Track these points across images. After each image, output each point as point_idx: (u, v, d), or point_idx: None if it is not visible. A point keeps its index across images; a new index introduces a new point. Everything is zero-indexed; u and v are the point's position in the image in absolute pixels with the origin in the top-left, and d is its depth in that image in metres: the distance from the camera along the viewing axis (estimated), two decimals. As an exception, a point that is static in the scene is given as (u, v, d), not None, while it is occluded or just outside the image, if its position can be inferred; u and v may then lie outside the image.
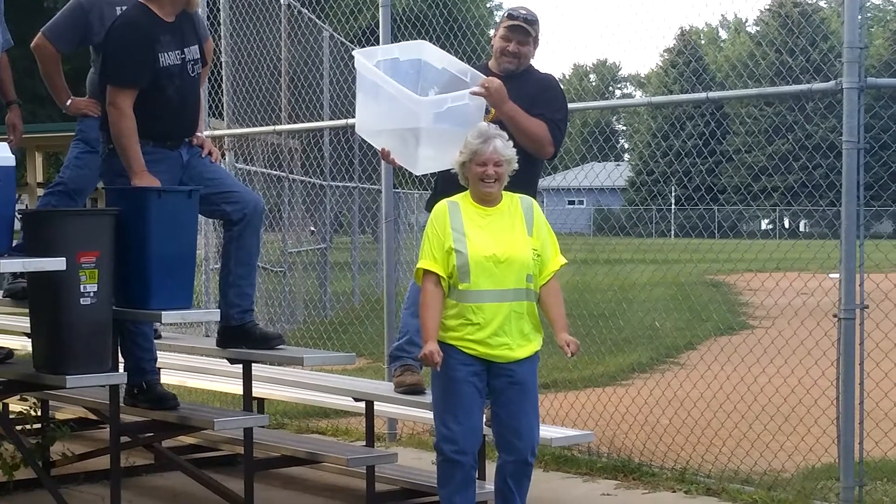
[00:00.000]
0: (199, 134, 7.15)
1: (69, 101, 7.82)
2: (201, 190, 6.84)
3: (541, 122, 6.87)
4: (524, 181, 6.49)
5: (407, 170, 7.22)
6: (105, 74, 6.87)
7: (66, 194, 7.72)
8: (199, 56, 7.01)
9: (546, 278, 6.12)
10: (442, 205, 6.16)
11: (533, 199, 6.31)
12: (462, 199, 6.17)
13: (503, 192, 6.18)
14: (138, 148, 6.64)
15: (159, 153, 6.80)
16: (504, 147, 6.08)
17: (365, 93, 7.05)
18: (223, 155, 12.64)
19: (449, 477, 6.10)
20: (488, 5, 57.25)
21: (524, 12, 7.06)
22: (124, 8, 7.21)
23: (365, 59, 7.03)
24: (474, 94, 6.70)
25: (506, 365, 6.03)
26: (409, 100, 6.70)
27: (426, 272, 6.03)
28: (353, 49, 7.54)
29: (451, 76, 6.98)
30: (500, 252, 5.98)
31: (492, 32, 7.28)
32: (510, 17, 7.07)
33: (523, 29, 7.01)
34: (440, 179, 7.14)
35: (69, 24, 7.67)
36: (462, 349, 6.00)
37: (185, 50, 6.89)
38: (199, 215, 6.99)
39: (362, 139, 7.69)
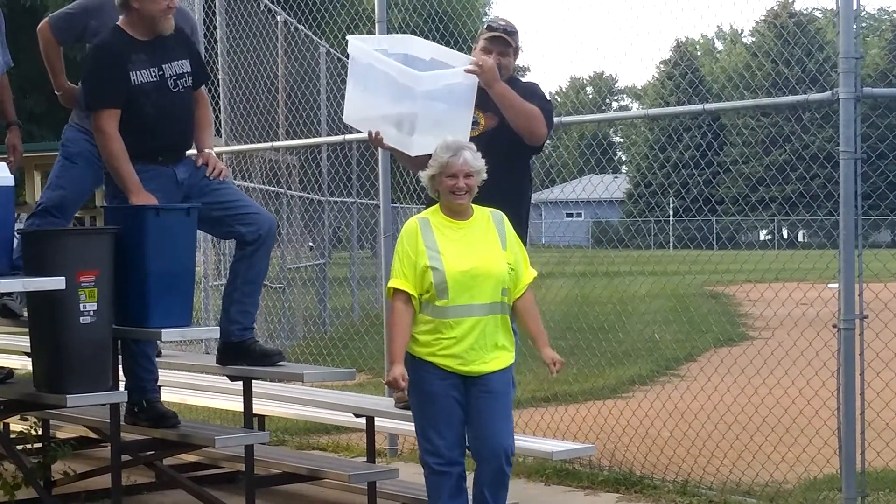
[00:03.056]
0: (206, 150, 7.13)
1: (62, 90, 7.78)
2: (215, 213, 6.85)
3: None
4: (511, 186, 6.51)
5: (403, 172, 7.22)
6: (85, 101, 6.90)
7: (47, 212, 7.64)
8: (187, 70, 6.99)
9: (521, 292, 6.13)
10: (412, 222, 6.14)
11: (503, 214, 6.28)
12: (432, 215, 6.15)
13: (473, 206, 6.17)
14: (130, 167, 6.66)
15: (150, 171, 6.79)
16: (474, 158, 6.06)
17: (357, 78, 7.01)
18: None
19: (439, 489, 6.09)
20: (484, 20, 57.33)
21: (503, 23, 7.08)
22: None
23: (361, 44, 7.05)
24: (468, 71, 6.71)
25: (480, 377, 6.01)
26: (410, 77, 6.69)
27: (396, 291, 6.01)
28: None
29: (440, 65, 6.98)
30: (476, 266, 5.97)
31: (473, 46, 7.25)
32: (490, 28, 7.07)
33: (503, 40, 7.00)
34: (429, 201, 7.15)
35: (71, 20, 7.70)
36: (438, 365, 5.99)
37: (165, 66, 6.87)
38: (209, 235, 6.96)
39: (358, 145, 7.71)
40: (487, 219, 6.16)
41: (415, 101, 6.70)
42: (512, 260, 6.09)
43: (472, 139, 6.46)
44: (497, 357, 6.04)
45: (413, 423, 7.37)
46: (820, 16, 60.76)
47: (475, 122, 6.85)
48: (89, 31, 7.53)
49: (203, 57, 7.99)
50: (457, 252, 5.99)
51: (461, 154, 6.03)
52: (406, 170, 7.76)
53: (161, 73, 6.86)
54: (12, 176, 6.53)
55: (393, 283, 6.02)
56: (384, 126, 6.89)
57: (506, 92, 6.78)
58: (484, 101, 6.84)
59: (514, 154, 6.79)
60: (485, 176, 6.13)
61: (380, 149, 9.49)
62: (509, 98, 6.77)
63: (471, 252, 6.01)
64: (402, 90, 6.73)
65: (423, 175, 6.14)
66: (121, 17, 6.87)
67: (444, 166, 6.03)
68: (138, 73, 6.76)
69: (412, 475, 8.54)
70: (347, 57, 7.35)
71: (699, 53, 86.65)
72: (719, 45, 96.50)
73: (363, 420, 7.94)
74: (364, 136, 10.43)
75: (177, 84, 6.94)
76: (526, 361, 6.25)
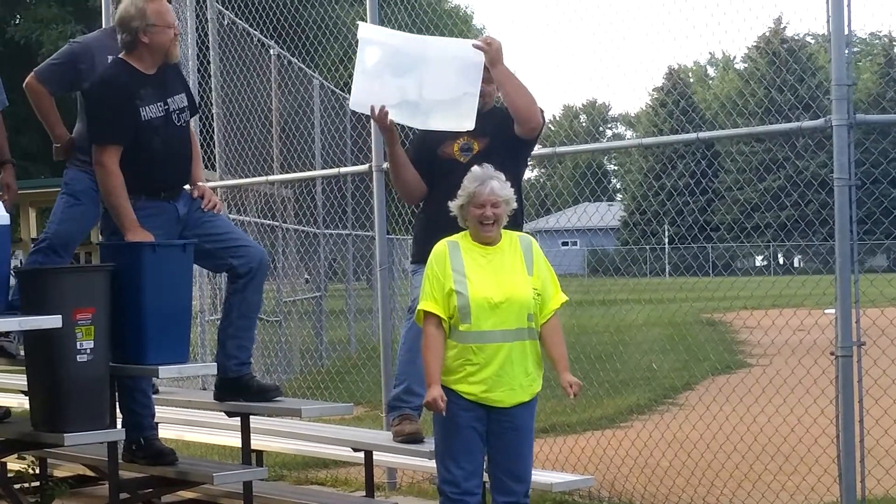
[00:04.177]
0: (200, 184, 7.14)
1: (62, 142, 7.78)
2: (207, 246, 6.84)
3: None
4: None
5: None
6: (89, 134, 6.89)
7: (51, 250, 7.66)
8: (185, 104, 7.00)
9: (547, 316, 6.11)
10: (441, 245, 6.15)
11: (532, 238, 6.31)
12: (462, 239, 6.16)
13: (502, 231, 6.18)
14: (128, 204, 6.64)
15: (154, 207, 6.79)
16: (501, 188, 6.08)
17: (365, 63, 6.97)
18: (217, 206, 12.63)
19: None
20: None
21: None
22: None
23: (372, 27, 7.11)
24: (476, 47, 6.78)
25: (506, 409, 6.00)
26: (418, 43, 6.87)
27: (427, 314, 6.02)
28: (344, 98, 7.58)
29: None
30: (501, 292, 5.97)
31: None
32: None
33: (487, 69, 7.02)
34: (420, 228, 7.15)
35: (60, 69, 7.70)
36: (463, 394, 5.98)
37: (169, 100, 6.88)
38: (202, 268, 6.93)
39: (353, 178, 7.72)
40: (516, 244, 6.17)
41: (422, 69, 6.76)
42: (539, 285, 6.08)
43: (464, 164, 6.48)
44: (525, 386, 6.03)
45: (413, 458, 7.38)
46: (812, 41, 61.02)
47: (468, 149, 6.88)
48: (82, 76, 7.53)
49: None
50: (483, 277, 6.00)
51: (488, 184, 6.06)
52: (401, 201, 7.74)
53: (166, 107, 6.86)
54: (8, 214, 6.51)
55: (423, 306, 6.03)
56: (389, 102, 6.86)
57: (508, 72, 6.85)
58: (475, 126, 6.87)
59: (504, 173, 6.73)
60: (515, 205, 6.17)
61: (374, 181, 9.51)
62: (511, 77, 6.84)
63: (496, 278, 6.01)
64: (409, 61, 6.82)
65: (453, 205, 6.15)
66: (123, 52, 6.86)
67: (472, 196, 6.05)
68: (147, 108, 6.76)
69: (411, 509, 8.53)
70: (341, 89, 7.36)
71: (692, 80, 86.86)
72: (711, 72, 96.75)
73: (362, 454, 7.92)
74: (360, 168, 10.52)
75: (179, 118, 6.95)
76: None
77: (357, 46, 7.02)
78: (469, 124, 6.80)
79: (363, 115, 7.29)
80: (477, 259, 6.07)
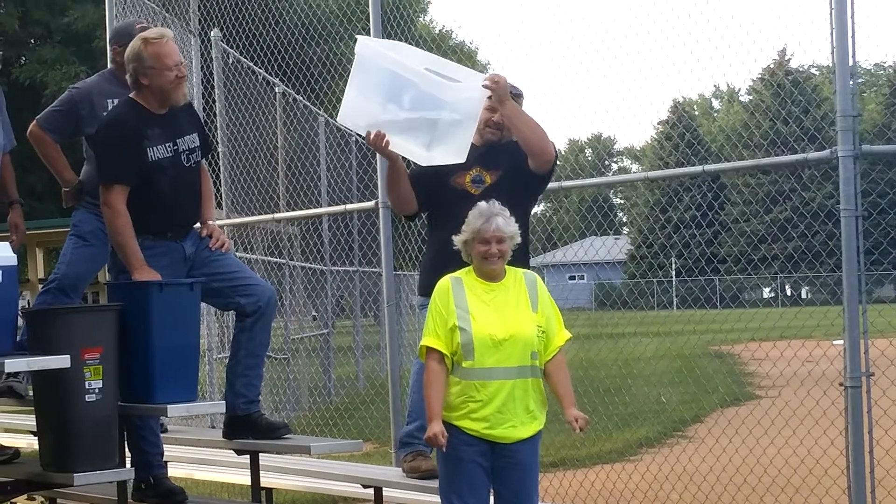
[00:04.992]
0: (209, 222, 7.14)
1: (71, 187, 7.81)
2: (215, 284, 6.84)
3: None
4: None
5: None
6: (97, 173, 6.91)
7: (60, 291, 7.70)
8: (196, 144, 7.00)
9: (551, 354, 6.10)
10: (445, 281, 6.15)
11: (536, 275, 6.31)
12: (465, 275, 6.15)
13: (506, 268, 6.17)
14: (135, 243, 6.64)
15: (160, 246, 6.80)
16: (506, 224, 6.08)
17: (361, 79, 6.86)
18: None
19: None
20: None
21: (511, 86, 7.09)
22: (116, 100, 7.26)
23: (373, 44, 7.05)
24: (485, 87, 6.68)
25: (509, 446, 5.99)
26: (435, 86, 6.68)
27: (429, 350, 6.01)
28: (347, 132, 7.56)
29: (436, 75, 6.95)
30: (504, 330, 5.96)
31: None
32: None
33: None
34: (429, 260, 7.15)
35: (61, 115, 7.75)
36: (466, 430, 5.97)
37: (178, 141, 6.88)
38: (211, 306, 6.91)
39: (359, 214, 7.68)
40: (520, 281, 6.16)
41: (419, 96, 6.71)
42: (543, 322, 6.07)
43: (475, 196, 6.47)
44: (528, 423, 6.01)
45: (422, 494, 7.36)
46: (816, 73, 61.06)
47: (480, 180, 6.87)
48: (83, 122, 7.57)
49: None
50: (486, 314, 5.99)
51: (493, 220, 6.06)
52: (407, 233, 7.75)
53: (175, 147, 6.86)
54: (15, 255, 6.52)
55: (425, 342, 6.02)
56: (391, 132, 6.77)
57: (516, 108, 6.82)
58: (487, 158, 6.89)
59: (513, 207, 6.71)
60: (518, 240, 6.16)
61: (380, 218, 9.53)
62: (520, 113, 6.82)
63: (500, 315, 6.00)
64: (407, 86, 6.72)
65: (457, 240, 6.15)
66: (133, 91, 6.88)
67: (477, 232, 6.05)
68: (154, 148, 6.75)
69: (421, 545, 8.48)
70: (346, 127, 7.30)
71: (697, 113, 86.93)
72: (716, 105, 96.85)
73: (371, 491, 7.90)
74: (366, 204, 10.53)
75: (189, 159, 6.95)
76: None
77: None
78: (461, 157, 6.74)
79: (364, 144, 7.25)
80: (480, 295, 6.06)
